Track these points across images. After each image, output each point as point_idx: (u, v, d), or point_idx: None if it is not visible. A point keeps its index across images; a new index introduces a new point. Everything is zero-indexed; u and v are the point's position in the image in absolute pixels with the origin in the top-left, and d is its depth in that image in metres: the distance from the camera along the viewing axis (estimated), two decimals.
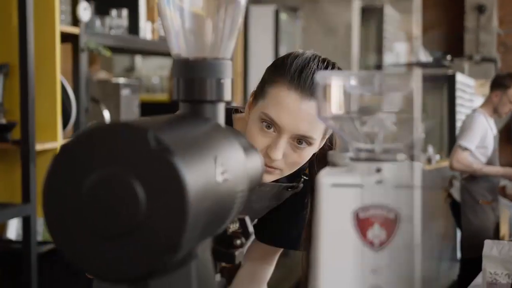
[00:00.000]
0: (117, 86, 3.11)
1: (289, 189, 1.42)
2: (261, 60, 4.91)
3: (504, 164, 4.54)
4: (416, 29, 5.66)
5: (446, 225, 5.79)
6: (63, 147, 0.65)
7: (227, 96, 0.84)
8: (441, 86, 6.96)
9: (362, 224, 0.70)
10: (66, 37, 2.67)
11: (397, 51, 5.41)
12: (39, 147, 2.44)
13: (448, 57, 6.57)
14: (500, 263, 1.91)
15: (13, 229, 2.71)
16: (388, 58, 5.44)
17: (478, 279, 2.09)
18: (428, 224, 5.72)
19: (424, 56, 5.77)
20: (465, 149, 4.15)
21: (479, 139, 4.20)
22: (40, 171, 2.44)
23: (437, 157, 6.36)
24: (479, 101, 8.44)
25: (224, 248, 0.88)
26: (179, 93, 0.83)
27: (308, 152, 1.28)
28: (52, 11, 2.51)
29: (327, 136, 1.34)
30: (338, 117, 0.74)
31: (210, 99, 0.82)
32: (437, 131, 7.16)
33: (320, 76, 0.73)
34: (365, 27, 7.16)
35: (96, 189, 0.63)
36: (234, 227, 0.91)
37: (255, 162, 0.88)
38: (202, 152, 0.69)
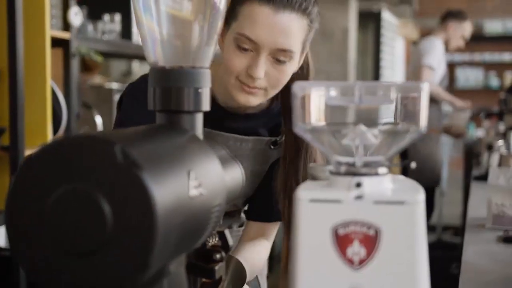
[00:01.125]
0: (110, 92, 3.08)
1: (272, 146, 1.39)
2: None
3: None
4: None
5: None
6: (28, 159, 0.62)
7: (205, 106, 0.82)
8: (366, 22, 7.03)
9: (341, 241, 0.67)
10: (57, 42, 2.65)
11: None
12: (28, 153, 2.41)
13: None
14: (508, 193, 1.81)
15: (2, 236, 2.68)
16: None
17: (481, 213, 1.92)
18: None
19: None
20: (431, 68, 4.21)
21: (437, 62, 4.28)
22: None
23: None
24: (400, 41, 8.56)
25: (203, 263, 0.85)
26: (156, 103, 0.81)
27: (289, 68, 1.25)
28: (43, 16, 2.48)
29: (305, 51, 1.31)
30: (316, 129, 0.71)
31: (188, 109, 0.80)
32: (362, 68, 7.20)
33: (298, 86, 0.70)
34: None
35: (61, 204, 0.60)
36: (213, 241, 0.88)
37: (234, 174, 0.86)
38: (174, 165, 0.66)
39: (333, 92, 0.70)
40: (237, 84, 1.26)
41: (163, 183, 0.61)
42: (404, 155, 4.38)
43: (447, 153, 5.99)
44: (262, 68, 1.22)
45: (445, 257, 4.64)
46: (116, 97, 3.08)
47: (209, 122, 1.28)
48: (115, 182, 0.59)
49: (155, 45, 0.82)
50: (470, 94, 10.23)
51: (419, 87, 0.68)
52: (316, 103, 0.70)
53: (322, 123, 0.71)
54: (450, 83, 10.20)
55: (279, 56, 1.23)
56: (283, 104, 1.36)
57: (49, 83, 2.49)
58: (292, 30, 1.21)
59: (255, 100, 1.27)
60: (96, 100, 3.11)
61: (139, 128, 0.74)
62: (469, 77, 10.28)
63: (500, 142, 3.19)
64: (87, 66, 3.50)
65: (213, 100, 1.35)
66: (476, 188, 2.82)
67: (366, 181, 0.68)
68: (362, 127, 0.71)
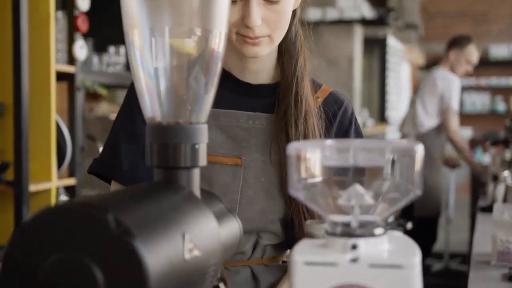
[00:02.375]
0: None
1: None
2: None
3: None
4: None
5: None
6: (22, 226, 0.62)
7: (202, 161, 0.81)
8: (372, 48, 7.03)
9: None
10: (62, 76, 2.66)
11: (340, 6, 5.38)
12: (33, 188, 2.42)
13: (392, 14, 6.53)
14: None
15: None
16: (331, 13, 5.40)
17: (487, 248, 1.89)
18: None
19: (368, 12, 5.75)
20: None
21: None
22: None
23: (371, 121, 6.37)
24: (405, 66, 8.59)
25: None
26: (153, 158, 0.80)
27: (286, 6, 1.18)
28: (48, 50, 2.50)
29: None
30: (311, 189, 0.71)
31: (184, 165, 0.80)
32: (368, 94, 7.19)
33: (293, 147, 0.70)
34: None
35: (54, 272, 0.60)
36: None
37: (231, 229, 0.85)
38: (168, 229, 0.66)
39: (328, 152, 0.70)
40: (239, 38, 1.18)
41: (157, 249, 0.61)
42: None
43: (453, 180, 5.97)
44: (257, 15, 1.15)
45: (452, 286, 4.61)
46: None
47: (221, 99, 1.23)
48: (108, 250, 0.59)
49: (152, 101, 0.82)
50: (476, 118, 10.25)
51: (413, 149, 0.67)
52: (310, 163, 0.70)
53: (316, 183, 0.71)
54: None
55: None
56: (278, 47, 1.28)
57: (54, 117, 2.50)
58: None
59: (262, 49, 1.19)
60: (101, 131, 3.12)
61: (135, 187, 0.74)
62: (475, 101, 10.28)
63: (506, 173, 3.17)
64: (93, 94, 3.52)
65: (227, 74, 1.29)
66: (481, 221, 2.80)
67: (362, 242, 0.68)
68: (358, 187, 0.70)
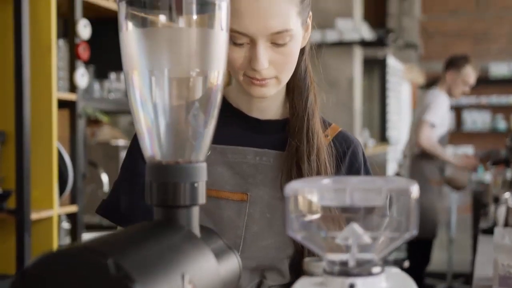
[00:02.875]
0: (117, 149, 3.10)
1: None
2: None
3: None
4: (357, 5, 5.62)
5: None
6: (22, 272, 0.62)
7: (202, 199, 0.82)
8: (372, 68, 7.05)
9: None
10: (64, 103, 2.68)
11: (340, 28, 5.41)
12: (34, 216, 2.42)
13: (391, 36, 6.55)
14: None
15: None
16: (331, 35, 5.44)
17: (489, 271, 1.86)
18: None
19: (367, 34, 5.77)
20: (431, 124, 4.19)
21: (440, 118, 4.25)
22: (36, 241, 2.41)
23: (372, 142, 6.37)
24: (406, 85, 8.61)
25: None
26: (152, 197, 0.81)
27: (293, 47, 1.16)
28: (49, 78, 2.52)
29: (308, 23, 1.23)
30: (309, 229, 0.72)
31: (184, 204, 0.80)
32: (369, 114, 7.20)
33: (290, 188, 0.71)
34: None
35: None
36: None
37: (230, 265, 0.86)
38: (168, 270, 0.67)
39: (325, 192, 0.71)
40: (246, 79, 1.18)
41: None
42: None
43: (455, 199, 5.96)
44: (263, 58, 1.14)
45: None
46: (122, 154, 3.11)
47: (230, 136, 1.25)
48: None
49: (152, 140, 0.83)
50: (477, 136, 10.26)
51: (409, 189, 0.68)
52: (308, 203, 0.71)
53: (314, 222, 0.72)
54: (458, 126, 10.26)
55: (277, 39, 1.14)
56: (287, 84, 1.26)
57: (55, 145, 2.52)
58: (279, 8, 1.12)
59: (269, 90, 1.19)
60: (102, 157, 3.13)
61: (135, 227, 0.75)
62: (476, 120, 10.30)
63: (507, 195, 3.17)
64: (95, 119, 3.54)
65: (236, 110, 1.29)
66: (483, 243, 2.80)
67: (360, 282, 0.69)
68: (355, 226, 0.71)
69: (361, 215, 0.72)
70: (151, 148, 0.83)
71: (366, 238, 0.71)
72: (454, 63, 4.37)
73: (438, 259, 6.65)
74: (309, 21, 1.24)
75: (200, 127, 0.84)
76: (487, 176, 7.42)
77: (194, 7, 0.80)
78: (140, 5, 0.81)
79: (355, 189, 0.70)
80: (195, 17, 0.80)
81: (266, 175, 1.24)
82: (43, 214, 2.49)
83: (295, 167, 1.22)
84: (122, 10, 0.80)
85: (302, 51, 1.26)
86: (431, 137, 4.20)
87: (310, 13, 1.24)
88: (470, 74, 4.32)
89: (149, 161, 0.83)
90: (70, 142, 2.70)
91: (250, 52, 1.15)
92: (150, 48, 0.80)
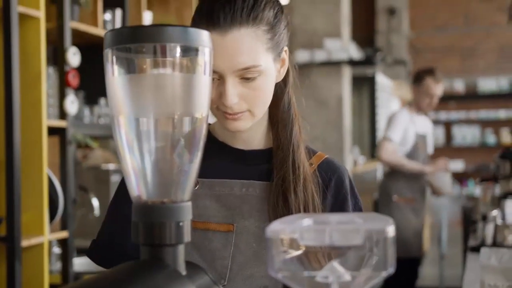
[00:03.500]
0: (107, 173, 3.12)
1: None
2: None
3: None
4: (345, 25, 5.66)
5: None
6: None
7: (187, 237, 0.85)
8: (361, 86, 7.10)
9: None
10: (54, 130, 2.70)
11: (328, 48, 5.45)
12: (25, 243, 2.43)
13: (379, 54, 6.59)
14: (500, 273, 1.76)
15: None
16: (319, 55, 5.47)
17: None
18: None
19: (355, 53, 5.81)
20: (391, 140, 4.19)
21: (402, 134, 4.24)
22: (27, 268, 2.42)
23: (362, 159, 6.39)
24: (395, 102, 8.68)
25: None
26: (139, 236, 0.84)
27: (263, 82, 1.18)
28: (39, 106, 2.54)
29: (281, 57, 1.23)
30: (290, 268, 0.74)
31: (170, 242, 0.83)
32: (358, 131, 7.24)
33: (270, 230, 0.74)
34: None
35: None
36: None
37: None
38: None
39: (305, 233, 0.73)
40: (220, 113, 1.21)
41: None
42: None
43: (446, 215, 6.00)
44: (232, 93, 1.16)
45: None
46: (113, 177, 3.12)
47: (217, 169, 1.26)
48: None
49: (138, 181, 0.85)
50: (467, 151, 10.33)
51: (385, 230, 0.71)
52: (288, 243, 0.74)
53: (294, 262, 0.74)
54: (447, 141, 10.33)
55: (245, 75, 1.16)
56: (269, 116, 1.29)
57: (46, 172, 2.54)
58: (246, 45, 1.15)
59: (243, 124, 1.21)
60: (93, 181, 3.15)
61: (120, 269, 0.77)
62: (465, 134, 10.37)
63: (495, 212, 3.20)
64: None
65: (222, 144, 1.31)
66: (471, 261, 2.83)
67: None
68: (336, 265, 0.74)
69: (341, 254, 0.74)
70: (137, 188, 0.86)
71: (346, 276, 0.73)
72: (416, 77, 4.41)
73: (429, 275, 6.67)
74: (285, 56, 1.25)
75: (185, 167, 0.86)
76: (477, 190, 7.47)
77: (178, 52, 0.83)
78: (126, 51, 0.84)
79: (334, 230, 0.73)
80: (179, 63, 0.83)
81: (252, 206, 1.26)
82: (34, 240, 2.50)
83: (282, 198, 1.24)
84: (109, 57, 0.83)
85: (285, 83, 1.28)
86: (392, 151, 4.20)
87: (286, 48, 1.25)
88: (431, 86, 4.26)
89: (136, 201, 0.85)
90: (60, 168, 2.72)
91: (220, 87, 1.17)
92: (136, 94, 0.83)
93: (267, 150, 1.30)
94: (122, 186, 1.30)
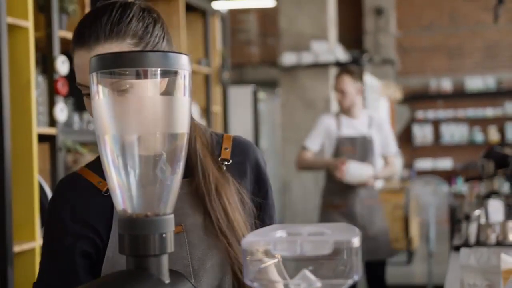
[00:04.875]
0: None
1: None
2: None
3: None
4: (332, 27, 5.69)
5: None
6: None
7: (170, 248, 0.91)
8: None
9: None
10: (44, 137, 2.75)
11: (315, 51, 5.47)
12: (17, 248, 2.48)
13: (366, 56, 6.61)
14: (480, 273, 1.81)
15: None
16: (306, 57, 5.46)
17: None
18: None
19: (342, 55, 5.81)
20: (306, 149, 4.13)
21: (320, 141, 4.15)
22: (18, 273, 2.47)
23: None
24: (383, 101, 8.77)
25: None
26: (125, 248, 0.90)
27: (140, 94, 1.15)
28: (29, 114, 2.59)
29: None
30: (264, 277, 0.80)
31: (154, 253, 0.89)
32: None
33: (245, 241, 0.80)
34: None
35: None
36: None
37: None
38: None
39: (278, 245, 0.79)
40: None
41: None
42: None
43: (433, 212, 6.07)
44: None
45: None
46: None
47: None
48: None
49: (123, 196, 0.91)
50: (455, 149, 10.43)
51: (350, 241, 0.77)
52: (262, 254, 0.80)
53: (268, 271, 0.80)
54: (436, 140, 10.43)
55: (116, 88, 1.17)
56: None
57: (36, 179, 2.58)
58: None
59: None
60: None
61: (105, 279, 0.83)
62: (454, 133, 10.47)
63: (477, 212, 3.26)
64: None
65: None
66: (454, 261, 2.89)
67: None
68: (307, 273, 0.80)
69: (312, 263, 0.81)
70: (122, 202, 0.91)
71: (317, 283, 0.79)
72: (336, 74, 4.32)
73: (418, 272, 6.76)
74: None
75: (167, 181, 0.92)
76: (464, 188, 7.54)
77: (158, 75, 0.89)
78: (110, 75, 0.89)
79: (305, 240, 0.79)
80: (160, 85, 0.88)
81: (189, 203, 1.30)
82: (25, 246, 2.55)
83: (204, 203, 1.29)
84: (94, 80, 0.89)
85: None
86: (301, 157, 4.16)
87: None
88: (341, 81, 4.10)
89: (121, 214, 0.91)
90: (51, 175, 2.76)
91: None
92: (120, 114, 0.89)
93: None
94: (53, 213, 1.30)
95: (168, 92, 0.90)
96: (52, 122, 2.77)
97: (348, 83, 4.07)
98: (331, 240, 0.78)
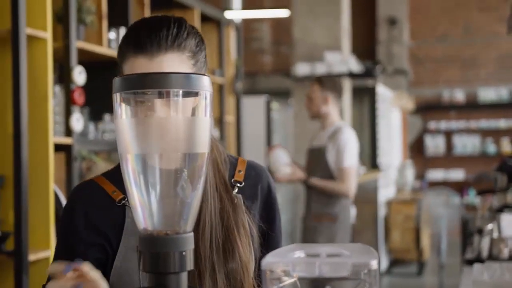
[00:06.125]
0: None
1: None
2: (254, 149, 5.04)
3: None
4: (345, 38, 5.68)
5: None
6: None
7: (190, 265, 0.92)
8: (362, 97, 7.15)
9: None
10: (60, 147, 2.78)
11: (328, 61, 5.47)
12: (32, 257, 2.51)
13: (379, 67, 6.62)
14: None
15: None
16: (320, 68, 5.45)
17: None
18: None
19: (355, 66, 5.81)
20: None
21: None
22: (33, 281, 2.49)
23: (363, 169, 6.43)
24: (396, 112, 8.74)
25: None
26: (145, 265, 0.91)
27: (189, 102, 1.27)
28: (46, 124, 2.62)
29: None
30: None
31: (173, 271, 0.90)
32: (359, 142, 7.26)
33: (266, 262, 0.81)
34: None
35: None
36: None
37: None
38: None
39: (297, 266, 0.81)
40: None
41: None
42: None
43: (445, 225, 6.06)
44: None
45: None
46: None
47: None
48: None
49: (144, 214, 0.93)
50: (467, 160, 10.39)
51: (369, 264, 0.78)
52: (282, 275, 0.81)
53: None
54: (448, 151, 10.40)
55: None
56: None
57: (52, 188, 2.61)
58: (172, 68, 1.22)
59: None
60: None
61: None
62: (466, 144, 10.43)
63: (490, 226, 3.25)
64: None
65: None
66: (467, 275, 2.88)
67: None
68: None
69: (330, 284, 0.82)
70: (143, 220, 0.93)
71: None
72: None
73: (429, 284, 6.73)
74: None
75: (188, 199, 0.94)
76: (477, 199, 7.51)
77: (180, 96, 0.91)
78: (133, 95, 0.91)
79: (324, 262, 0.81)
80: (181, 106, 0.90)
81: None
82: (40, 255, 2.57)
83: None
84: (117, 100, 0.91)
85: None
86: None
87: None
88: (313, 88, 4.11)
89: (142, 232, 0.93)
90: (66, 184, 2.79)
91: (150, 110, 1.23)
92: (142, 134, 0.91)
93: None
94: (65, 219, 1.31)
95: (190, 112, 0.92)
96: (68, 131, 2.80)
97: (315, 91, 4.07)
98: (350, 262, 0.79)
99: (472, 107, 10.31)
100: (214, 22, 4.63)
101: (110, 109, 3.19)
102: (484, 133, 10.35)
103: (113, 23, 3.23)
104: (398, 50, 9.93)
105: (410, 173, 8.99)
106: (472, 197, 9.79)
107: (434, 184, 9.54)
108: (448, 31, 10.36)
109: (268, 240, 1.37)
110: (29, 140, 2.53)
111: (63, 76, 2.87)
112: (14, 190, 2.49)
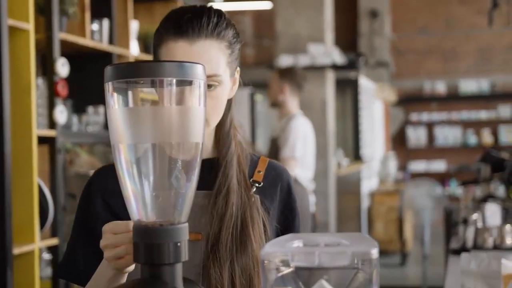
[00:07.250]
0: None
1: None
2: None
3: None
4: (328, 30, 5.70)
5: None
6: None
7: (184, 256, 0.91)
8: (344, 89, 7.20)
9: None
10: (43, 139, 2.75)
11: (312, 53, 5.50)
12: (16, 250, 2.48)
13: (362, 59, 6.65)
14: (480, 278, 1.81)
15: None
16: (303, 59, 5.49)
17: None
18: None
19: (339, 58, 5.84)
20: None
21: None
22: (18, 275, 2.46)
23: (346, 161, 6.47)
24: (378, 104, 8.79)
25: None
26: (140, 256, 0.90)
27: (221, 93, 1.26)
28: (29, 116, 2.58)
29: (235, 76, 1.31)
30: (282, 287, 0.81)
31: (168, 262, 0.89)
32: (342, 134, 7.33)
33: (265, 252, 0.80)
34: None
35: None
36: None
37: None
38: None
39: (296, 255, 0.80)
40: None
41: None
42: None
43: (428, 216, 6.09)
44: None
45: None
46: None
47: None
48: None
49: (138, 205, 0.91)
50: (449, 152, 10.46)
51: (370, 252, 0.78)
52: (280, 264, 0.80)
53: (286, 281, 0.81)
54: (430, 142, 10.46)
55: (207, 82, 1.18)
56: (216, 132, 1.34)
57: (36, 181, 2.58)
58: (211, 55, 1.23)
59: None
60: (79, 188, 3.18)
61: (122, 286, 0.83)
62: (447, 135, 10.50)
63: (475, 216, 3.27)
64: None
65: None
66: (453, 265, 2.90)
67: None
68: (324, 283, 0.80)
69: (329, 273, 0.81)
70: (137, 212, 0.92)
71: None
72: None
73: (412, 274, 6.78)
74: (237, 76, 1.33)
75: (182, 190, 0.93)
76: (459, 190, 7.56)
77: (174, 85, 0.89)
78: (125, 85, 0.90)
79: (323, 252, 0.80)
80: (175, 95, 0.88)
81: (216, 213, 1.29)
82: (25, 248, 2.54)
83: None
84: (109, 90, 0.89)
85: (230, 103, 1.34)
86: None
87: (239, 69, 1.33)
88: (276, 77, 4.19)
89: (136, 224, 0.91)
90: (50, 177, 2.76)
91: None
92: (135, 124, 0.89)
93: (212, 159, 1.33)
94: (84, 197, 1.34)
95: (183, 101, 0.91)
96: (52, 124, 2.76)
97: (274, 80, 4.14)
98: (349, 251, 0.78)
99: (453, 98, 10.38)
100: None
101: (93, 101, 3.16)
102: (465, 124, 10.43)
103: (96, 15, 3.19)
104: (380, 43, 9.96)
105: (392, 165, 9.04)
106: (454, 187, 9.87)
107: (416, 175, 9.59)
108: (429, 24, 10.40)
109: None
110: (12, 133, 2.50)
111: (46, 68, 2.83)
112: None
